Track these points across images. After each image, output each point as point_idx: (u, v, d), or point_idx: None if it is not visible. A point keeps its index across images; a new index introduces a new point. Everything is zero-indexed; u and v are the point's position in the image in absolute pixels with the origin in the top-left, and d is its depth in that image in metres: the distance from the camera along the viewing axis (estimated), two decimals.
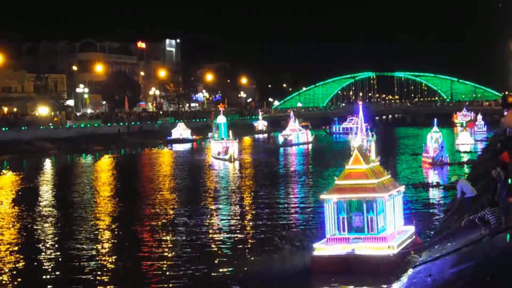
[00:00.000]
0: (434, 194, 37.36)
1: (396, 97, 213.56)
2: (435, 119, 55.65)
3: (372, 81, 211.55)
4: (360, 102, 38.50)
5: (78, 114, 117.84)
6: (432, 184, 41.03)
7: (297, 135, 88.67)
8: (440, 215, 30.14)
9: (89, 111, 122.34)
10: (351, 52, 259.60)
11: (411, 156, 62.49)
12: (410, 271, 19.76)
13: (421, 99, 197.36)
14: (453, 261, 18.57)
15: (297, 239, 24.40)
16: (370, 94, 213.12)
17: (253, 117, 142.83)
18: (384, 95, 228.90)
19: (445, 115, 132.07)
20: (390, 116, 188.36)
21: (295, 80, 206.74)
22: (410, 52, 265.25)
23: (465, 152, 64.93)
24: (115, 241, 27.61)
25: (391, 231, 21.25)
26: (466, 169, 48.96)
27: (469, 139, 74.94)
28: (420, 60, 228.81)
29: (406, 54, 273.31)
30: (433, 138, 53.53)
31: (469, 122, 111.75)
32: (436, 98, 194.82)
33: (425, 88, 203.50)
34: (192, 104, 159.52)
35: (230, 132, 67.27)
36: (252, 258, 23.05)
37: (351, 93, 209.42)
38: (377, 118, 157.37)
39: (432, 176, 46.57)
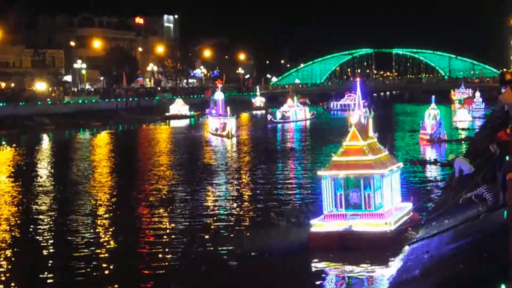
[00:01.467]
0: (432, 171, 37.35)
1: (394, 74, 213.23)
2: (433, 96, 55.52)
3: (370, 58, 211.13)
4: (358, 79, 38.25)
5: (75, 89, 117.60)
6: (430, 161, 41.02)
7: (295, 111, 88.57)
8: (437, 192, 30.14)
9: (87, 87, 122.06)
10: (349, 28, 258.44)
11: (409, 133, 62.46)
12: (407, 248, 19.75)
13: (418, 76, 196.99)
14: (450, 238, 18.57)
15: (294, 216, 24.40)
16: (368, 71, 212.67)
17: (251, 93, 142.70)
18: (382, 72, 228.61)
19: (443, 92, 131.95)
20: (388, 93, 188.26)
21: (293, 56, 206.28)
22: (408, 29, 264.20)
23: (463, 129, 64.90)
24: (113, 217, 27.58)
25: (388, 208, 21.23)
26: (464, 146, 48.93)
27: (467, 116, 74.88)
28: (419, 37, 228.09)
29: (404, 31, 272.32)
30: (431, 115, 53.43)
31: (467, 99, 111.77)
32: (431, 75, 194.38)
33: (423, 65, 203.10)
34: (190, 80, 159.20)
35: (228, 108, 67.19)
36: (249, 235, 23.01)
37: (349, 70, 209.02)
38: (375, 95, 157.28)
39: (430, 153, 46.56)
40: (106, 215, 27.88)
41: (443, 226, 20.60)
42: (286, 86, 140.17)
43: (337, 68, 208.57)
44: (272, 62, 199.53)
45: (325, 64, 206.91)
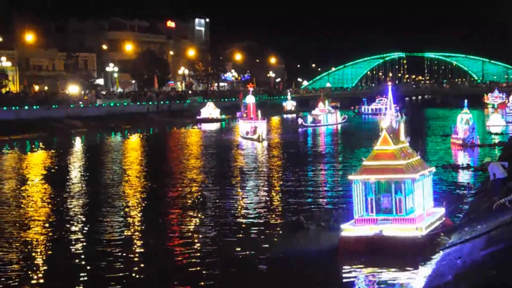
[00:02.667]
0: (464, 176, 37.03)
1: (426, 78, 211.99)
2: (466, 100, 55.09)
3: (401, 62, 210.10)
4: (390, 83, 38.10)
5: (107, 93, 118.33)
6: (462, 166, 40.67)
7: (326, 115, 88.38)
8: (470, 197, 29.86)
9: (118, 90, 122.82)
10: (381, 32, 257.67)
11: (441, 138, 62.03)
12: (440, 253, 19.60)
13: (451, 80, 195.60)
14: (483, 244, 18.40)
15: (324, 220, 24.34)
16: (399, 75, 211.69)
17: (282, 97, 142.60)
18: (414, 76, 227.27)
19: (476, 96, 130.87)
20: (419, 97, 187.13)
21: (324, 60, 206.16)
22: (440, 32, 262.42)
23: (496, 133, 64.27)
24: (144, 219, 27.74)
25: (420, 213, 21.09)
26: (497, 151, 48.46)
27: (500, 120, 74.10)
28: (451, 40, 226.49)
29: (436, 34, 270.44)
30: (463, 119, 52.96)
31: (501, 104, 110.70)
32: (464, 79, 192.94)
33: (456, 68, 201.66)
34: (221, 84, 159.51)
35: (259, 112, 67.18)
36: (279, 238, 23.02)
37: (380, 73, 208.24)
38: (406, 99, 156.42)
39: (463, 158, 46.19)
40: (137, 218, 28.04)
41: (476, 231, 20.43)
42: (319, 91, 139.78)
43: (368, 72, 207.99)
44: (303, 65, 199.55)
45: (357, 68, 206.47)
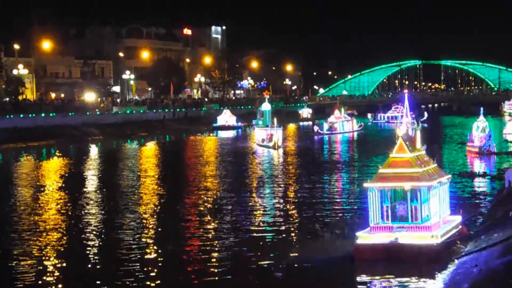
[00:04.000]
0: (481, 184, 36.87)
1: (443, 85, 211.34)
2: (481, 108, 54.85)
3: (418, 69, 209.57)
4: (406, 90, 37.94)
5: (124, 100, 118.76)
6: (479, 174, 40.50)
7: (342, 123, 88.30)
8: (486, 204, 29.74)
9: (135, 97, 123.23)
10: (397, 39, 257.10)
11: (457, 145, 61.81)
12: (456, 261, 19.54)
13: (467, 88, 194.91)
14: (500, 252, 18.31)
15: (339, 227, 24.32)
16: (416, 83, 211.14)
17: (298, 104, 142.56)
18: (430, 84, 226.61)
19: (493, 104, 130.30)
20: (436, 105, 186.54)
21: (341, 67, 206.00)
22: (456, 40, 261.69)
23: None
24: (160, 226, 27.82)
25: (436, 221, 21.03)
26: None
27: None
28: (467, 48, 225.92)
29: (453, 41, 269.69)
30: (479, 127, 52.72)
31: None
32: (480, 87, 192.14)
33: (472, 76, 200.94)
34: (237, 91, 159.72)
35: (275, 119, 67.22)
36: (294, 246, 23.04)
37: (396, 81, 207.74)
38: (423, 106, 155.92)
39: (479, 166, 45.99)
40: (154, 225, 28.12)
41: (493, 239, 20.34)
42: (337, 98, 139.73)
43: (384, 80, 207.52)
44: (319, 73, 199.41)
45: (373, 75, 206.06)
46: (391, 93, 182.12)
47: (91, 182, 43.63)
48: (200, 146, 73.19)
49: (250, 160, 55.62)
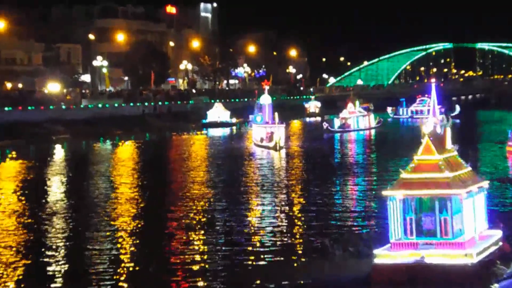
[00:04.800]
0: None
1: (479, 73, 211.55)
2: None
3: (448, 54, 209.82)
4: (433, 80, 37.96)
5: (95, 92, 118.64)
6: None
7: (357, 118, 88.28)
8: None
9: (108, 88, 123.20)
10: (423, 19, 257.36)
11: (496, 145, 61.76)
12: (496, 286, 19.48)
13: (509, 76, 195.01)
14: None
15: (353, 244, 24.29)
16: (446, 70, 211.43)
17: (304, 96, 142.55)
18: (463, 71, 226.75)
19: None
20: (470, 97, 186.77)
21: (354, 52, 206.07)
22: (495, 19, 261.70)
23: None
24: (139, 244, 27.69)
25: (470, 236, 20.95)
26: None
27: None
28: (509, 29, 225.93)
29: (490, 21, 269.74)
30: None
31: None
32: None
33: None
34: (231, 81, 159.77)
35: (276, 114, 67.15)
36: (300, 265, 23.04)
37: (422, 68, 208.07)
38: (454, 98, 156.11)
39: None
40: (131, 243, 27.98)
41: None
42: (350, 88, 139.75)
43: (408, 67, 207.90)
44: (330, 59, 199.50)
45: (394, 62, 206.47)
46: (415, 83, 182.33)
47: (55, 191, 43.53)
48: (186, 146, 73.14)
49: (247, 164, 55.60)
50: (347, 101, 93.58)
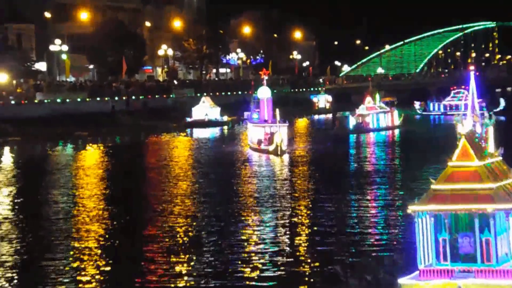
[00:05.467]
0: None
1: None
2: None
3: (491, 36, 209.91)
4: (472, 67, 37.84)
5: (52, 83, 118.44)
6: None
7: (377, 115, 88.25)
8: None
9: (69, 79, 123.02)
10: None
11: None
12: None
13: None
14: None
15: (370, 270, 24.23)
16: (487, 55, 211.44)
17: (312, 89, 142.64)
18: (509, 56, 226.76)
19: None
20: None
21: (373, 35, 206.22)
22: None
23: None
24: (109, 271, 27.68)
25: None
26: None
27: None
28: None
29: None
30: None
31: None
32: None
33: None
34: (222, 70, 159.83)
35: (277, 111, 67.07)
36: None
37: (458, 53, 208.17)
38: (498, 90, 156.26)
39: None
40: (98, 271, 27.91)
41: None
42: (369, 79, 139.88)
43: (440, 52, 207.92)
44: (343, 43, 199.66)
45: (422, 46, 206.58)
46: (449, 71, 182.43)
47: (1, 205, 43.41)
48: (166, 151, 73.15)
49: (241, 173, 55.63)
50: (365, 94, 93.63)
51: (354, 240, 30.81)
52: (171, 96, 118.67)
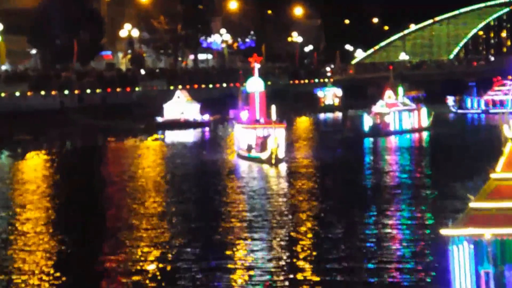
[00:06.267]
0: None
1: None
2: None
3: None
4: None
5: None
6: None
7: (399, 114, 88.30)
8: None
9: (4, 67, 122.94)
10: None
11: None
12: None
13: None
14: None
15: None
16: None
17: (316, 80, 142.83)
18: None
19: None
20: None
21: (395, 11, 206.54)
22: None
23: None
24: None
25: None
26: None
27: None
28: None
29: None
30: None
31: None
32: None
33: None
34: (202, 57, 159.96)
35: (273, 108, 67.09)
36: None
37: (503, 34, 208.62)
38: None
39: None
40: None
41: None
42: (389, 67, 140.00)
43: (480, 33, 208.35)
44: (356, 22, 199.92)
45: (457, 25, 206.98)
46: (492, 57, 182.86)
47: None
48: (131, 159, 73.09)
49: (227, 187, 55.66)
50: (385, 87, 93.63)
51: (371, 272, 30.94)
52: (137, 89, 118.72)
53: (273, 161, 63.36)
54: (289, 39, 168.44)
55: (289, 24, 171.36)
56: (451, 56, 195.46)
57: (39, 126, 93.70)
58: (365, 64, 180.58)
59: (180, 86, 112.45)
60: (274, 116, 65.65)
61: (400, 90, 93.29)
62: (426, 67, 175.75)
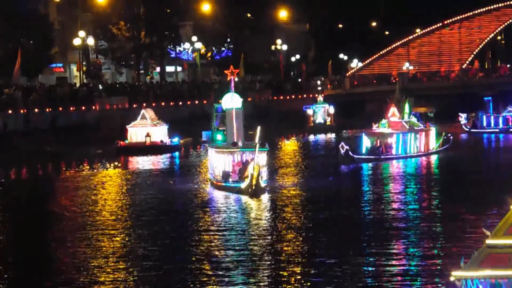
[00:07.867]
0: None
1: None
2: None
3: None
4: None
5: None
6: None
7: (404, 136, 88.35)
8: None
9: None
10: None
11: None
12: None
13: None
14: None
15: None
16: None
17: (304, 95, 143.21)
18: None
19: None
20: None
21: (396, 14, 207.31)
22: None
23: None
24: None
25: None
26: None
27: None
28: None
29: None
30: None
31: None
32: None
33: None
34: (170, 69, 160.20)
35: (258, 129, 67.00)
36: None
37: None
38: None
39: None
40: None
41: None
42: (392, 79, 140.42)
43: (498, 37, 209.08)
44: (351, 26, 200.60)
45: (471, 29, 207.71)
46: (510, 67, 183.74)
47: None
48: (86, 191, 72.94)
49: (198, 223, 55.63)
50: (389, 103, 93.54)
51: None
52: (94, 108, 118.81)
53: (254, 191, 63.36)
54: (273, 47, 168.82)
55: (272, 29, 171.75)
56: (464, 66, 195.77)
57: None
58: (363, 76, 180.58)
59: (144, 104, 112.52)
60: (257, 138, 65.60)
61: (407, 106, 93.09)
62: (455, 78, 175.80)
